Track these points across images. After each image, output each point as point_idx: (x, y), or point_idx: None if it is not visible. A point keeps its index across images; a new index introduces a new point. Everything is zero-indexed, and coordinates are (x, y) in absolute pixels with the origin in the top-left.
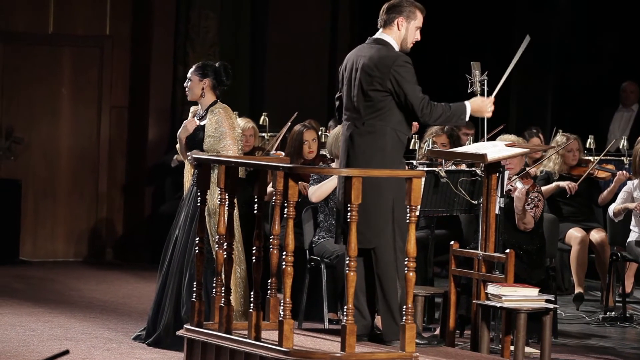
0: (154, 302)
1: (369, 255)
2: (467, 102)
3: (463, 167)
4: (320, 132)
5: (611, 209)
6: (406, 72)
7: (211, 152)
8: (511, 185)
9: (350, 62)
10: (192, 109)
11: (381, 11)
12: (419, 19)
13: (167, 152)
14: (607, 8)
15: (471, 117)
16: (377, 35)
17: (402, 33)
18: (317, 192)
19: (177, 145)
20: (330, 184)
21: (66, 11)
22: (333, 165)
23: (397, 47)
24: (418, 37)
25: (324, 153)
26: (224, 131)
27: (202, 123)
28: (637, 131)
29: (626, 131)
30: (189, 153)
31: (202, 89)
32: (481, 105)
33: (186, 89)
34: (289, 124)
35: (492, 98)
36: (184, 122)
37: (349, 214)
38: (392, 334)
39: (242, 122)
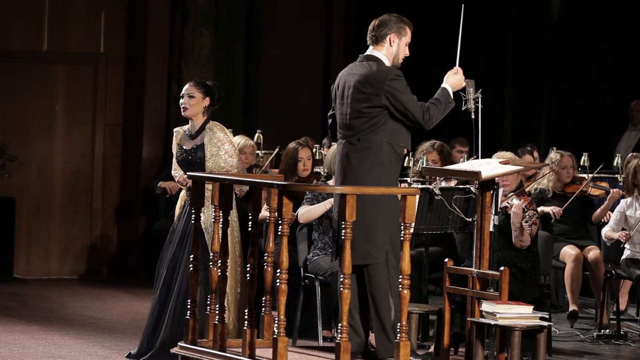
0: (150, 322)
1: (362, 272)
2: (445, 85)
3: (453, 183)
4: (314, 150)
5: (604, 232)
6: (399, 85)
7: (217, 171)
8: (507, 202)
9: (342, 81)
10: (175, 132)
11: (370, 28)
12: (408, 35)
13: (160, 172)
14: (602, 22)
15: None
16: (368, 52)
17: (393, 49)
18: (306, 214)
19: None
20: (319, 209)
21: (60, 29)
22: (331, 182)
23: (388, 64)
24: (407, 52)
25: (318, 170)
26: (229, 149)
27: (197, 142)
28: None
29: (630, 150)
30: (188, 174)
31: (204, 106)
32: (457, 79)
33: (185, 105)
34: (277, 150)
35: (458, 67)
36: (179, 179)
37: (343, 231)
38: (386, 352)
39: (241, 140)
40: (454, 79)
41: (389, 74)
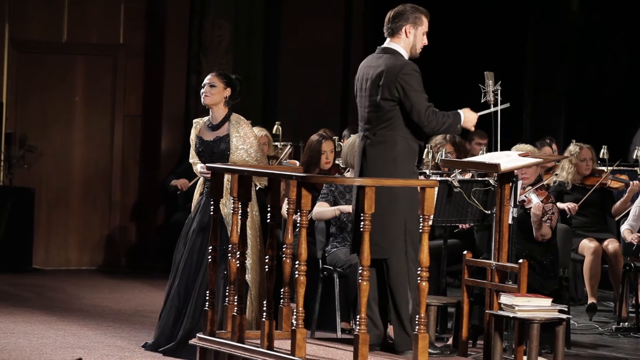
0: (170, 313)
1: (382, 265)
2: (460, 112)
3: (468, 176)
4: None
5: (622, 230)
6: (412, 80)
7: (241, 163)
8: (525, 196)
9: (361, 73)
10: (195, 123)
11: (386, 20)
12: (425, 24)
13: (177, 165)
14: (621, 18)
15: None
16: (385, 44)
17: (410, 40)
18: (317, 215)
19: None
20: (329, 214)
21: (80, 20)
22: (347, 174)
23: (406, 55)
24: (426, 41)
25: (338, 162)
26: (254, 143)
27: (220, 134)
28: None
29: None
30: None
31: (225, 97)
32: (471, 117)
33: (205, 93)
34: (289, 146)
35: (478, 115)
36: (201, 170)
37: (362, 223)
38: (404, 344)
39: (255, 131)
40: (470, 114)
41: (404, 68)
